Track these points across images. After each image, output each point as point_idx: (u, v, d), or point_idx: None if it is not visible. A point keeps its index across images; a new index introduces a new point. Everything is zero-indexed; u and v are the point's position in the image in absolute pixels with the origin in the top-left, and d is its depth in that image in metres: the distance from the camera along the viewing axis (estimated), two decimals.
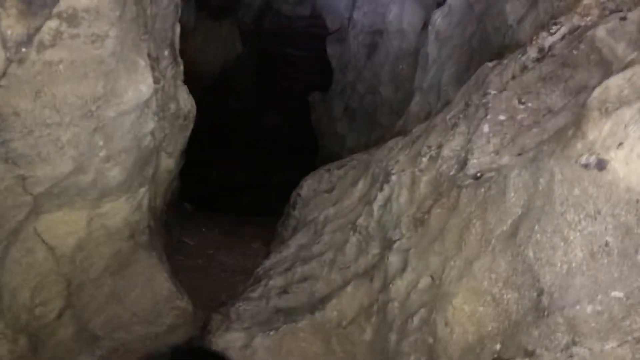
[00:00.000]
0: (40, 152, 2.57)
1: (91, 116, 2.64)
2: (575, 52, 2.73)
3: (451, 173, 3.02)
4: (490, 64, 3.24)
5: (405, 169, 3.50)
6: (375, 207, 3.68)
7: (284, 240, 4.99)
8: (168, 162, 4.06)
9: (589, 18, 2.78)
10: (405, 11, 6.47)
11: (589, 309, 1.94)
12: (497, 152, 2.79)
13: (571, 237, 2.04)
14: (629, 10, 2.60)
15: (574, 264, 2.02)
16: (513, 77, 2.96)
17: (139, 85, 2.81)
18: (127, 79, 2.75)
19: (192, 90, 4.13)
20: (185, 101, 3.89)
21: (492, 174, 2.67)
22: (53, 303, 3.26)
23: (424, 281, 2.90)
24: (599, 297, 1.93)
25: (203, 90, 7.99)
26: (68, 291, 3.34)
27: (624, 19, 2.57)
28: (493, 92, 2.98)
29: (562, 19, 2.90)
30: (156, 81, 3.02)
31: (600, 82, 2.17)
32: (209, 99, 8.16)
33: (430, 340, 2.68)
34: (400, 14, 6.56)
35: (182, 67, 3.82)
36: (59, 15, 2.27)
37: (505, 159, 2.71)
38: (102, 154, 2.90)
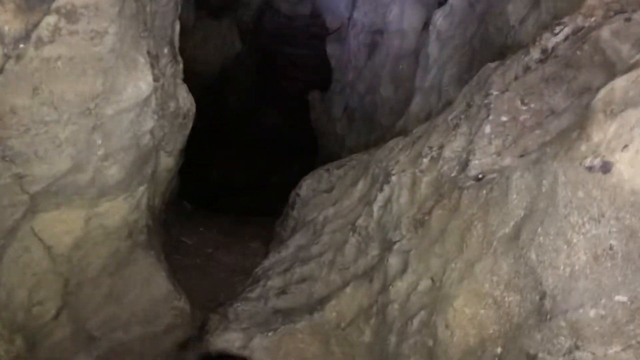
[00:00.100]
0: (38, 150, 2.54)
1: (90, 114, 2.61)
2: (578, 53, 2.70)
3: (452, 174, 3.00)
4: (492, 65, 3.21)
5: (405, 169, 3.48)
6: (375, 207, 3.65)
7: (283, 241, 4.97)
8: (167, 161, 4.03)
9: (593, 19, 2.75)
10: (405, 11, 6.45)
11: (593, 312, 1.92)
12: (499, 154, 2.77)
13: (574, 240, 2.02)
14: (634, 11, 2.57)
15: (577, 267, 2.01)
16: (515, 78, 2.94)
17: (139, 83, 2.78)
18: (126, 77, 2.72)
19: (191, 89, 4.11)
20: (185, 100, 3.86)
21: (494, 175, 2.64)
22: (50, 303, 3.23)
23: (424, 283, 2.88)
24: (603, 301, 1.91)
25: (202, 89, 7.97)
26: (65, 291, 3.32)
27: (628, 19, 2.54)
28: (495, 92, 2.95)
29: (565, 19, 2.87)
30: (156, 79, 3.00)
31: (604, 84, 2.15)
32: (208, 98, 8.14)
33: (431, 342, 2.66)
34: (400, 13, 6.54)
35: (181, 66, 3.79)
36: (57, 11, 2.24)
37: (507, 160, 2.69)
38: (101, 152, 2.87)
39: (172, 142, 3.94)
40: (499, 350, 2.31)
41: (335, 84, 9.01)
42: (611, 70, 2.52)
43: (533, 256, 2.18)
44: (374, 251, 3.52)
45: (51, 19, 2.24)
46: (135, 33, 2.77)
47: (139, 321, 3.81)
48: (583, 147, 2.02)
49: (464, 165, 2.91)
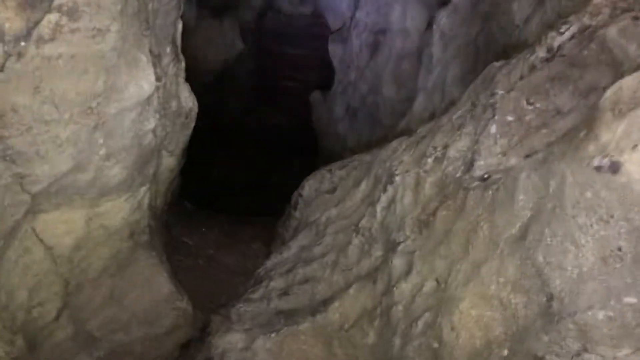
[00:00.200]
0: (39, 150, 2.51)
1: (91, 113, 2.58)
2: (585, 52, 2.67)
3: (457, 174, 2.97)
4: (497, 64, 3.19)
5: (409, 169, 3.45)
6: (379, 208, 3.63)
7: (285, 241, 4.95)
8: (169, 161, 4.01)
9: (599, 17, 2.73)
10: (408, 10, 6.43)
11: (601, 315, 1.90)
12: (504, 154, 2.74)
13: (582, 241, 2.00)
14: None
15: (585, 269, 1.98)
16: (521, 77, 2.91)
17: (141, 82, 2.75)
18: (128, 75, 2.70)
19: (193, 88, 4.09)
20: (187, 99, 3.84)
21: (500, 175, 2.62)
22: (51, 304, 3.21)
23: (429, 285, 2.86)
24: (612, 303, 1.89)
25: (203, 88, 7.95)
26: (66, 292, 3.30)
27: (636, 18, 2.52)
28: (500, 92, 2.93)
29: (571, 18, 2.85)
30: (158, 78, 2.97)
31: (611, 83, 2.13)
32: (209, 97, 8.11)
33: (436, 345, 2.64)
34: (403, 13, 6.52)
35: (183, 64, 3.77)
36: (59, 9, 2.22)
37: (513, 161, 2.66)
38: (102, 152, 2.84)
39: (174, 142, 3.92)
40: (505, 352, 2.29)
41: (337, 84, 9.00)
42: (618, 70, 2.50)
43: (540, 257, 2.16)
44: (377, 252, 3.50)
45: (52, 17, 2.21)
46: (138, 31, 2.74)
47: (140, 322, 3.79)
48: (591, 147, 1.99)
49: (469, 165, 2.89)
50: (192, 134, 4.36)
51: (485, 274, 2.43)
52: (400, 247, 3.20)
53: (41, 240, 3.02)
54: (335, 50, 9.02)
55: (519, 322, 2.24)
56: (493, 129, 2.85)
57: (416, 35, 6.31)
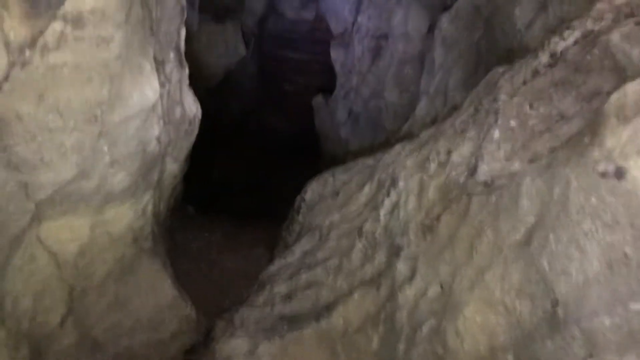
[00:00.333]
0: (43, 158, 2.51)
1: (95, 121, 2.59)
2: (588, 57, 2.67)
3: (461, 179, 2.97)
4: (500, 69, 3.19)
5: (413, 174, 3.45)
6: (382, 212, 3.62)
7: (288, 246, 4.94)
8: (173, 167, 4.01)
9: (602, 22, 2.72)
10: (410, 15, 6.43)
11: (607, 321, 1.89)
12: (508, 159, 2.74)
13: (587, 247, 1.99)
14: None
15: (590, 275, 1.97)
16: (524, 82, 2.91)
17: (145, 90, 2.76)
18: (132, 83, 2.70)
19: (195, 93, 4.09)
20: (191, 105, 3.84)
21: (504, 180, 2.62)
22: (55, 310, 3.21)
23: (433, 290, 2.85)
24: (618, 309, 1.87)
25: (206, 93, 7.96)
26: (70, 298, 3.30)
27: (639, 23, 2.51)
28: (504, 97, 2.92)
29: (575, 23, 2.84)
30: (162, 85, 2.97)
31: (614, 88, 2.12)
32: (211, 101, 8.13)
33: (440, 350, 2.63)
34: (405, 18, 6.52)
35: (187, 71, 3.77)
36: (63, 17, 2.22)
37: (516, 166, 2.65)
38: (107, 159, 2.84)
39: (178, 148, 3.92)
40: (510, 358, 2.29)
41: (339, 88, 9.00)
42: (621, 75, 2.49)
43: (545, 263, 2.15)
44: (381, 257, 3.49)
45: (57, 26, 2.21)
46: (142, 39, 2.75)
47: (144, 328, 3.79)
48: (596, 153, 1.99)
49: (473, 170, 2.88)
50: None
51: (490, 280, 2.42)
52: (404, 252, 3.19)
53: (46, 247, 3.02)
54: (337, 55, 9.03)
55: (523, 327, 2.23)
56: (496, 134, 2.85)
57: (418, 40, 6.31)
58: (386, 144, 5.21)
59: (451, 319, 2.59)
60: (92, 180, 2.86)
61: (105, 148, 2.78)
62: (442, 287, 2.80)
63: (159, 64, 3.10)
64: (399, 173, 3.57)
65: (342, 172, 4.90)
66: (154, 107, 2.94)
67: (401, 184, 3.48)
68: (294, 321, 3.72)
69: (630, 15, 2.62)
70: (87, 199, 2.99)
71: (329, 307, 3.62)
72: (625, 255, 1.88)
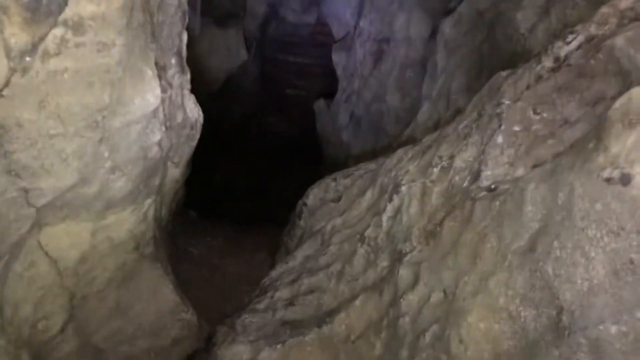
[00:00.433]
0: (44, 164, 2.50)
1: (96, 126, 2.57)
2: (592, 61, 2.66)
3: (464, 184, 2.95)
4: (503, 73, 3.18)
5: (415, 179, 3.43)
6: (385, 218, 3.61)
7: (290, 251, 4.93)
8: (174, 172, 4.00)
9: (606, 27, 2.71)
10: (412, 19, 6.43)
11: (614, 329, 1.87)
12: (511, 164, 2.73)
13: (593, 254, 1.97)
14: None
15: (595, 282, 1.95)
16: (527, 87, 2.90)
17: (146, 95, 2.74)
18: (133, 88, 2.69)
19: (196, 97, 4.09)
20: (193, 110, 3.83)
21: (507, 186, 2.60)
22: (56, 317, 3.19)
23: (436, 296, 2.83)
24: (624, 317, 1.85)
25: (207, 97, 7.96)
26: (71, 304, 3.28)
27: None
28: (507, 102, 2.91)
29: (578, 27, 2.83)
30: (163, 90, 2.96)
31: (619, 93, 2.11)
32: (213, 105, 8.12)
33: (444, 357, 2.61)
34: (407, 22, 6.52)
35: (189, 76, 3.76)
36: (64, 23, 2.21)
37: (520, 171, 2.64)
38: (108, 165, 2.83)
39: (180, 153, 3.91)
40: None
41: (341, 92, 9.01)
42: (626, 80, 2.48)
43: (549, 270, 2.13)
44: (383, 262, 3.47)
45: (58, 32, 2.20)
46: (143, 44, 2.74)
47: (145, 334, 3.77)
48: (601, 158, 1.97)
49: (476, 175, 2.87)
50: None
51: (494, 286, 2.40)
52: (406, 258, 3.17)
53: (46, 254, 3.01)
54: (338, 59, 9.04)
55: (528, 335, 2.21)
56: (500, 139, 2.83)
57: (420, 44, 6.31)
58: (388, 148, 5.20)
59: (454, 326, 2.57)
60: (93, 186, 2.85)
61: (107, 154, 2.77)
62: (445, 293, 2.78)
63: (161, 69, 3.09)
64: (401, 178, 3.56)
65: (344, 176, 4.89)
66: (155, 112, 2.93)
67: (404, 188, 3.47)
68: (295, 327, 3.70)
69: (635, 19, 2.61)
70: (88, 205, 2.98)
71: (331, 313, 3.60)
72: (631, 262, 1.86)
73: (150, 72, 2.76)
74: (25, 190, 2.54)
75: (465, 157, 3.07)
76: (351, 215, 4.23)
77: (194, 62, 4.41)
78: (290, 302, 3.99)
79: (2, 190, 2.41)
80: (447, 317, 2.68)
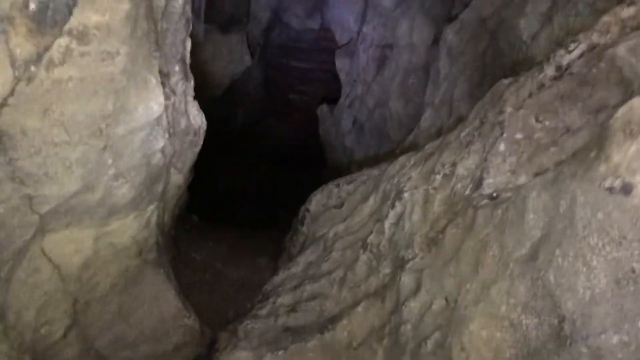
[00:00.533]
0: (48, 171, 2.51)
1: (100, 134, 2.59)
2: (594, 70, 2.66)
3: (466, 192, 2.95)
4: (506, 81, 3.18)
5: (418, 186, 3.43)
6: (387, 224, 3.61)
7: (292, 256, 4.93)
8: (177, 178, 4.01)
9: (608, 36, 2.72)
10: (415, 25, 6.45)
11: (615, 339, 1.87)
12: (513, 172, 2.73)
13: (594, 263, 1.97)
14: None
15: (597, 291, 1.95)
16: (530, 95, 2.90)
17: (150, 103, 2.76)
18: (137, 97, 2.71)
19: (200, 102, 4.10)
20: (196, 117, 3.85)
21: (509, 194, 2.60)
22: (59, 322, 3.20)
23: (438, 303, 2.83)
24: (626, 326, 1.85)
25: (211, 102, 7.99)
26: (74, 310, 3.29)
27: None
28: (509, 109, 2.92)
29: (580, 36, 2.84)
30: (167, 97, 2.98)
31: (620, 102, 2.11)
32: (216, 110, 8.14)
33: None
34: (410, 28, 6.54)
35: (192, 83, 3.78)
36: (69, 33, 2.22)
37: (522, 179, 2.64)
38: (111, 172, 2.85)
39: (183, 160, 3.93)
40: None
41: (344, 97, 9.02)
42: (628, 88, 2.48)
43: (551, 278, 2.13)
44: (385, 269, 3.47)
45: (63, 41, 2.22)
46: (147, 53, 2.76)
47: (147, 339, 3.78)
48: (602, 168, 1.97)
49: (478, 183, 2.87)
50: None
51: (496, 295, 2.40)
52: (409, 265, 3.17)
53: (50, 260, 3.02)
54: (342, 64, 9.06)
55: (530, 344, 2.20)
56: (502, 146, 2.84)
57: (423, 50, 6.32)
58: (392, 154, 5.21)
59: (456, 334, 2.57)
60: (97, 193, 2.87)
61: (110, 161, 2.78)
62: (447, 300, 2.77)
63: (164, 76, 3.11)
64: (404, 185, 3.56)
65: (346, 182, 4.89)
66: (158, 120, 2.94)
67: (406, 195, 3.47)
68: (298, 333, 3.70)
69: (636, 28, 2.61)
70: (92, 212, 3.00)
71: (333, 320, 3.60)
72: (633, 271, 1.86)
73: (154, 80, 2.78)
74: (29, 197, 2.56)
75: (467, 164, 3.07)
76: (354, 221, 4.23)
77: (198, 68, 4.43)
78: (292, 308, 3.99)
79: (6, 198, 2.42)
80: (449, 324, 2.68)
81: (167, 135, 3.16)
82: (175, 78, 3.40)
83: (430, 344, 2.76)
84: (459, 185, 3.06)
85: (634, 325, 1.83)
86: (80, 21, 2.24)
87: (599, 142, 2.06)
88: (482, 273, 2.53)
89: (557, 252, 2.12)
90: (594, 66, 2.67)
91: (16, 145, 2.35)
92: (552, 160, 2.54)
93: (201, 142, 4.13)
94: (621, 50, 2.55)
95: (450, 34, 5.12)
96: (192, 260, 5.38)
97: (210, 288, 5.02)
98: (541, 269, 2.19)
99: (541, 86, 2.89)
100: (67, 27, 2.20)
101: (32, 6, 2.01)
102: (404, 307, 3.06)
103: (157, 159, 3.18)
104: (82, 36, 2.25)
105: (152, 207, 3.49)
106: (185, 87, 3.58)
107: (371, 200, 4.13)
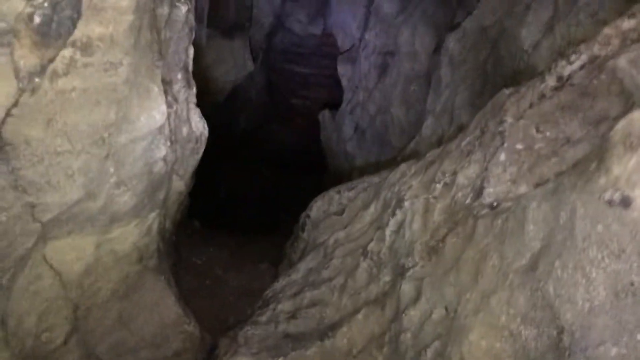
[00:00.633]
0: (50, 180, 2.53)
1: (103, 143, 2.60)
2: (595, 81, 2.67)
3: (466, 201, 2.96)
4: (507, 91, 3.19)
5: (418, 194, 3.44)
6: (387, 232, 3.62)
7: (293, 263, 4.94)
8: (179, 185, 4.02)
9: (609, 48, 2.73)
10: (417, 33, 6.46)
11: (614, 351, 1.87)
12: (514, 182, 2.73)
13: (593, 275, 1.97)
14: None
15: (596, 303, 1.95)
16: (531, 106, 2.91)
17: (152, 112, 2.78)
18: (140, 106, 2.72)
19: (202, 108, 4.12)
20: (198, 124, 3.86)
21: (510, 204, 2.61)
22: (59, 328, 3.21)
23: (438, 312, 2.83)
24: (624, 339, 1.85)
25: (213, 107, 8.01)
26: (75, 316, 3.30)
27: None
28: (510, 120, 2.92)
29: (581, 47, 2.85)
30: (169, 105, 2.99)
31: (621, 113, 2.11)
32: (218, 115, 8.16)
33: None
34: (412, 35, 6.55)
35: (195, 90, 3.80)
36: (73, 44, 2.24)
37: (522, 189, 2.65)
38: (113, 180, 2.86)
39: (184, 167, 3.94)
40: None
41: (345, 103, 9.04)
42: (628, 100, 2.49)
43: (551, 289, 2.13)
44: (386, 277, 3.48)
45: (67, 52, 2.24)
46: (150, 62, 2.77)
47: (147, 346, 3.78)
48: (602, 180, 1.98)
49: (478, 192, 2.87)
50: None
51: (495, 305, 2.41)
52: (409, 273, 3.17)
53: (51, 267, 3.03)
54: (344, 70, 9.08)
55: (529, 355, 2.21)
56: (502, 156, 2.84)
57: (425, 58, 6.34)
58: (393, 161, 5.22)
59: (456, 343, 2.57)
60: (99, 201, 2.88)
61: (112, 169, 2.80)
62: (447, 310, 2.78)
63: (167, 84, 3.12)
64: (404, 193, 3.57)
65: (347, 189, 4.90)
66: (160, 128, 2.95)
67: (407, 204, 3.48)
68: (298, 340, 3.70)
69: (637, 40, 2.62)
70: (93, 219, 3.01)
71: (333, 327, 3.60)
72: (632, 284, 1.86)
73: (156, 89, 2.79)
74: (32, 206, 2.57)
75: (468, 174, 3.08)
76: (354, 228, 4.24)
77: (200, 73, 4.45)
78: (292, 315, 3.99)
79: (9, 206, 2.43)
80: (448, 334, 2.68)
81: (169, 144, 3.17)
82: (178, 86, 3.41)
83: (430, 353, 2.76)
84: (459, 195, 3.06)
85: (632, 337, 1.83)
86: (84, 33, 2.25)
87: (599, 154, 2.07)
88: (482, 283, 2.54)
89: (557, 263, 2.12)
90: (595, 77, 2.68)
91: (19, 155, 2.36)
92: (553, 171, 2.55)
93: (203, 149, 4.14)
94: (622, 62, 2.56)
95: (452, 42, 5.14)
96: (193, 265, 5.38)
97: (211, 294, 5.02)
98: (541, 279, 2.19)
99: (542, 96, 2.90)
100: (71, 38, 2.22)
101: (37, 19, 2.03)
102: (404, 315, 3.06)
103: (159, 167, 3.19)
104: (85, 47, 2.27)
105: (153, 214, 3.50)
106: (187, 94, 3.60)
107: (372, 208, 4.14)
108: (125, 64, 2.45)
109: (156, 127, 2.87)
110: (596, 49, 2.77)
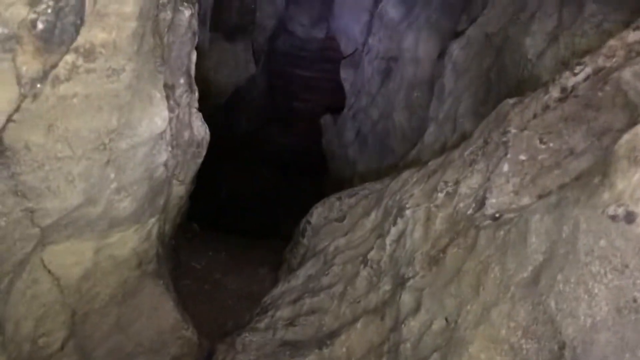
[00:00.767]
0: (51, 185, 2.51)
1: (104, 149, 2.59)
2: (599, 93, 2.66)
3: (469, 212, 2.94)
4: (510, 101, 3.17)
5: (420, 203, 3.42)
6: (388, 241, 3.59)
7: (292, 269, 4.91)
8: (179, 189, 4.01)
9: (614, 59, 2.71)
10: (421, 39, 6.45)
11: None
12: (516, 193, 2.71)
13: (596, 290, 1.95)
14: None
15: (598, 318, 1.93)
16: (534, 116, 2.89)
17: (154, 118, 2.76)
18: (141, 112, 2.71)
19: (204, 110, 4.10)
20: (199, 129, 3.85)
21: (512, 215, 2.59)
22: (57, 333, 3.19)
23: (438, 323, 2.81)
24: (627, 355, 1.84)
25: (214, 109, 8.00)
26: (72, 321, 3.28)
27: None
28: (514, 130, 2.91)
29: (586, 59, 2.83)
30: (171, 110, 2.98)
31: (625, 126, 2.10)
32: (220, 117, 8.16)
33: None
34: (416, 41, 6.54)
35: (197, 94, 3.79)
36: (76, 50, 2.23)
37: (525, 200, 2.63)
38: (113, 186, 2.85)
39: (185, 171, 3.92)
40: None
41: (348, 108, 9.03)
42: (633, 112, 2.47)
43: (552, 304, 2.11)
44: (385, 286, 3.46)
45: (69, 58, 2.23)
46: (152, 68, 2.76)
47: (145, 351, 3.76)
48: (606, 195, 1.96)
49: (481, 203, 2.86)
50: None
51: (496, 317, 2.38)
52: (409, 283, 3.15)
53: (49, 271, 3.02)
54: (347, 75, 9.08)
55: None
56: (505, 167, 2.83)
57: (428, 64, 6.33)
58: (394, 168, 5.20)
59: (456, 355, 2.55)
60: (98, 207, 2.86)
61: (113, 175, 2.78)
62: (447, 321, 2.76)
63: (169, 89, 3.11)
64: (406, 201, 3.55)
65: (348, 196, 4.88)
66: (162, 134, 2.94)
67: (408, 212, 3.46)
68: (296, 348, 3.68)
69: None
70: (93, 225, 2.99)
71: (332, 335, 3.58)
72: (635, 300, 1.85)
73: (158, 95, 2.78)
74: (31, 211, 2.56)
75: (470, 183, 3.06)
76: (355, 236, 4.22)
77: (203, 76, 4.43)
78: (291, 322, 3.97)
79: (8, 211, 2.42)
80: (448, 345, 2.66)
81: (170, 149, 3.16)
82: (180, 90, 3.40)
83: None
84: (461, 204, 3.04)
85: (634, 354, 1.82)
86: (87, 39, 2.24)
87: (603, 168, 2.06)
88: (483, 295, 2.52)
89: (559, 277, 2.10)
90: (600, 89, 2.67)
91: (19, 160, 2.35)
92: (556, 183, 2.53)
93: (204, 153, 4.13)
94: (627, 74, 2.55)
95: (456, 49, 5.12)
96: (192, 269, 5.37)
97: (210, 298, 5.00)
98: (542, 293, 2.17)
99: (546, 107, 2.89)
100: (73, 44, 2.21)
101: (40, 26, 2.02)
102: (403, 325, 3.04)
103: (160, 172, 3.18)
104: (88, 53, 2.26)
105: (153, 219, 3.49)
106: (189, 99, 3.59)
107: (373, 216, 4.11)
108: (128, 70, 2.44)
109: (158, 132, 2.86)
110: (601, 61, 2.76)
